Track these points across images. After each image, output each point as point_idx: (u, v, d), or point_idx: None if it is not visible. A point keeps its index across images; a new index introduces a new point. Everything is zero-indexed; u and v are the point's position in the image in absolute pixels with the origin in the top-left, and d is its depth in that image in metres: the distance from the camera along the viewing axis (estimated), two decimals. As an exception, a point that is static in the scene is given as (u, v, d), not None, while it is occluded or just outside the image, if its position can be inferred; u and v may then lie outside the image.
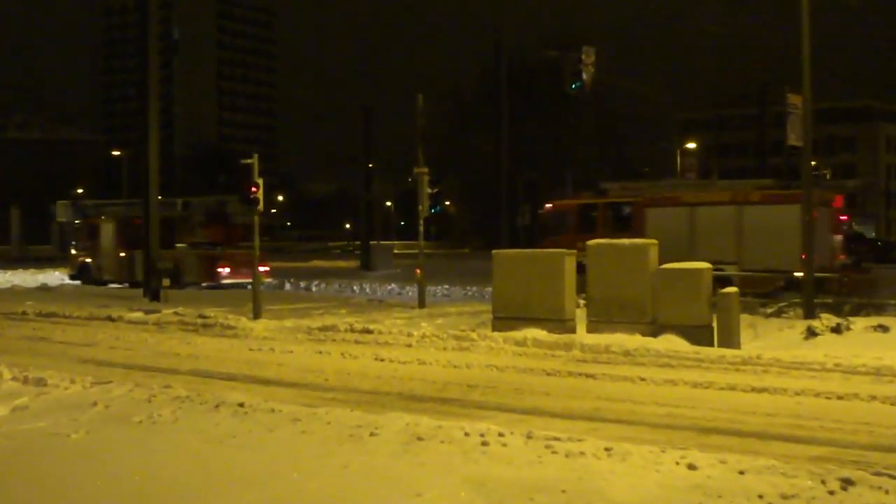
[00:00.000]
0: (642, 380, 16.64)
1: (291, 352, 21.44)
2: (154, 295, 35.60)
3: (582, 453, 9.87)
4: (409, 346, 22.06)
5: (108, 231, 48.30)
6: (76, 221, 51.23)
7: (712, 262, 26.24)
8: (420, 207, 32.31)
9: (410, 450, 10.16)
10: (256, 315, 27.90)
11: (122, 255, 46.94)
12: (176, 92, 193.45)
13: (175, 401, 13.17)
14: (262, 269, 43.60)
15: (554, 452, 9.93)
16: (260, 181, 28.95)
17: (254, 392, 14.96)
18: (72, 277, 49.77)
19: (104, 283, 47.16)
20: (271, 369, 18.88)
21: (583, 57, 37.03)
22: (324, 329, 24.88)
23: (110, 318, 29.59)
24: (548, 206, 40.42)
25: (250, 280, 43.27)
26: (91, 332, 26.65)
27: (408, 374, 17.79)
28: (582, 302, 23.62)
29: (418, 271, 32.10)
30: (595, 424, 12.75)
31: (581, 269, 22.92)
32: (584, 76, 36.87)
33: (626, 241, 23.42)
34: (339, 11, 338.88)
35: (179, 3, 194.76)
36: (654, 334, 21.10)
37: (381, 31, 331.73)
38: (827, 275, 29.37)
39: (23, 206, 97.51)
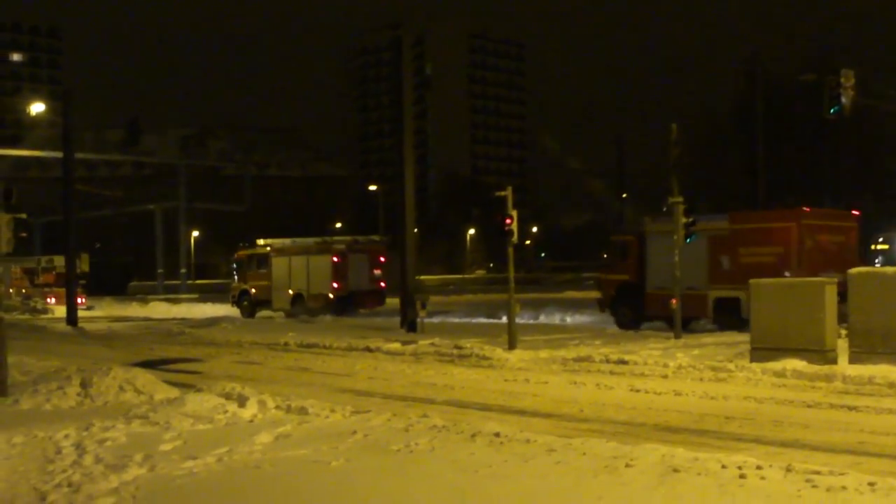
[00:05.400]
0: (908, 412, 16.11)
1: (546, 382, 21.49)
2: (411, 326, 36.20)
3: (844, 488, 9.59)
4: (665, 377, 21.88)
5: None
6: None
7: (295, 291, 50.68)
8: (675, 237, 31.91)
9: (666, 482, 10.05)
10: (511, 346, 28.07)
11: None
12: (429, 127, 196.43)
13: (432, 430, 13.36)
14: (80, 300, 57.75)
15: (814, 486, 9.68)
16: (514, 213, 29.25)
17: (509, 422, 15.06)
18: None
19: None
20: (526, 400, 18.96)
21: (841, 80, 35.95)
22: (578, 360, 24.88)
23: (368, 349, 30.24)
24: (237, 254, 56.33)
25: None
26: (350, 362, 27.31)
27: (663, 406, 17.63)
28: (843, 332, 22.96)
29: (674, 301, 31.64)
30: (858, 458, 12.37)
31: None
32: (844, 100, 35.76)
33: (889, 269, 22.69)
34: (588, 41, 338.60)
35: (432, 38, 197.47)
36: (921, 365, 20.34)
37: (631, 59, 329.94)
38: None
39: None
